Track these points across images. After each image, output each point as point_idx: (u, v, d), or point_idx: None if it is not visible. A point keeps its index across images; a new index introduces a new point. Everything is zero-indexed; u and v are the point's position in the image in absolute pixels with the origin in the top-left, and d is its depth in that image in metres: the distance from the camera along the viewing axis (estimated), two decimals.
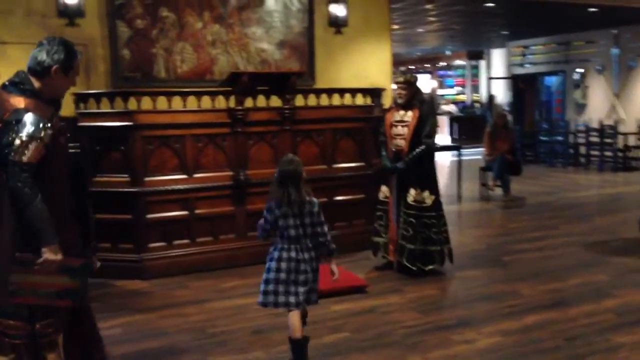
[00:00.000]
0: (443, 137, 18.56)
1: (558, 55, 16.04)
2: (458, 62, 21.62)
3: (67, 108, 5.69)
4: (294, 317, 3.69)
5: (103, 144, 5.68)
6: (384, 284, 5.40)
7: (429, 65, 22.58)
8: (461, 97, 21.32)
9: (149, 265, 5.66)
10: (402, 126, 5.62)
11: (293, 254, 3.65)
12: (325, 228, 3.76)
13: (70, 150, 3.27)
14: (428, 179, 5.65)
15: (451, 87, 22.28)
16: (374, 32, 8.20)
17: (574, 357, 3.83)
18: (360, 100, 6.73)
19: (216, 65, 7.13)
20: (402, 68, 23.84)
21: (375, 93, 6.71)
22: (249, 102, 6.06)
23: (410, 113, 5.58)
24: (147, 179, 5.65)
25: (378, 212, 5.84)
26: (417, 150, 5.51)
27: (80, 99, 5.68)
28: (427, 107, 5.74)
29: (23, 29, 6.25)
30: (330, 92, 6.56)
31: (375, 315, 4.63)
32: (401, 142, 5.59)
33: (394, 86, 5.74)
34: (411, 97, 5.60)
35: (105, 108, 5.69)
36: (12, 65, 6.35)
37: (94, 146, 5.68)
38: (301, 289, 3.64)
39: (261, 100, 6.17)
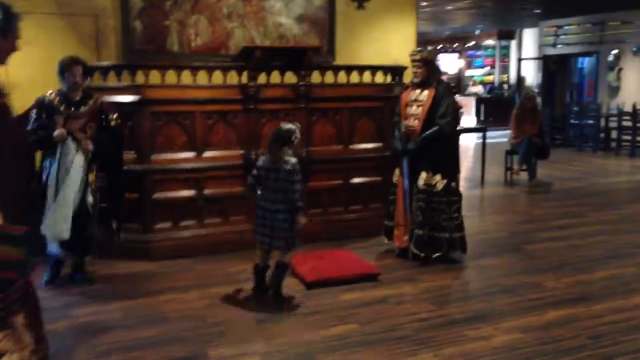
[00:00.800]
0: (469, 119, 18.13)
1: (592, 35, 15.42)
2: (488, 42, 21.01)
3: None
4: None
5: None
6: (397, 272, 5.15)
7: (457, 45, 22.01)
8: (489, 78, 20.75)
9: (155, 247, 5.48)
10: (417, 106, 5.33)
11: (268, 204, 4.37)
12: (296, 186, 4.34)
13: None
14: (441, 162, 5.35)
15: (480, 67, 21.69)
16: (398, 7, 7.83)
17: (599, 357, 3.55)
18: (380, 78, 6.42)
19: (232, 39, 6.85)
20: (430, 47, 23.35)
21: (396, 71, 6.39)
22: (262, 79, 5.79)
23: (425, 92, 5.29)
24: (154, 156, 5.44)
25: (391, 195, 5.58)
26: (429, 131, 5.22)
27: (87, 72, 5.44)
28: (443, 87, 5.42)
29: None
30: (348, 69, 6.26)
31: (387, 306, 4.38)
32: (414, 123, 5.30)
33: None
34: (427, 75, 5.30)
35: (112, 82, 5.47)
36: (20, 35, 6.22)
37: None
38: (280, 234, 4.34)
39: (275, 77, 5.90)
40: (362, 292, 4.65)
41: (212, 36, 6.83)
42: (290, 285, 4.69)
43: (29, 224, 2.64)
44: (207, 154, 5.65)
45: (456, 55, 22.08)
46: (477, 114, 18.57)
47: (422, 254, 5.30)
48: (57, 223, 4.51)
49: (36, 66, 6.02)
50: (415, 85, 5.39)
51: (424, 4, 14.33)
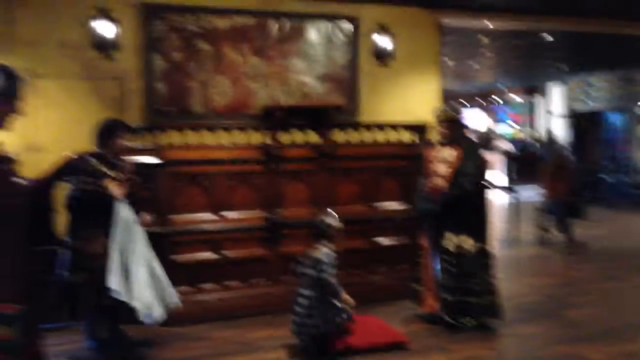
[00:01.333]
0: (499, 177, 17.82)
1: (621, 91, 15.21)
2: (515, 98, 20.90)
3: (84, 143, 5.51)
4: None
5: None
6: (427, 339, 4.84)
7: (483, 102, 21.94)
8: (518, 134, 20.54)
9: (172, 311, 5.27)
10: (443, 164, 5.14)
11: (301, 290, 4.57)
12: (323, 275, 4.51)
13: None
14: (470, 222, 5.11)
15: (507, 123, 21.53)
16: (422, 65, 7.76)
17: None
18: (404, 136, 6.27)
19: (255, 99, 6.81)
20: (453, 103, 23.30)
21: (420, 129, 6.24)
22: (284, 138, 5.69)
23: (452, 151, 5.11)
24: (173, 217, 5.31)
25: (418, 258, 5.34)
26: (452, 191, 5.02)
27: None
28: (469, 145, 5.25)
29: (56, 61, 6.10)
30: (370, 127, 6.13)
31: None
32: (440, 181, 5.09)
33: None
34: (453, 134, 5.14)
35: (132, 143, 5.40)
36: (45, 98, 6.29)
37: None
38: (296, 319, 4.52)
39: (297, 136, 5.79)
40: None
41: (235, 96, 6.79)
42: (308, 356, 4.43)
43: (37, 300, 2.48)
44: (228, 214, 5.50)
45: (483, 112, 21.98)
46: (508, 171, 18.27)
47: (454, 321, 5.00)
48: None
49: (62, 128, 6.04)
50: (443, 144, 5.24)
51: (449, 62, 14.38)
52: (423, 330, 5.10)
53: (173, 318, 5.20)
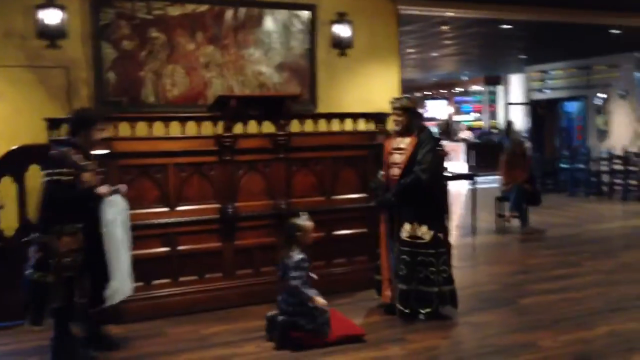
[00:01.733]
0: (459, 165, 17.98)
1: (579, 80, 15.44)
2: (475, 87, 21.08)
3: (41, 134, 5.31)
4: None
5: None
6: (384, 331, 4.81)
7: (445, 91, 22.08)
8: (478, 123, 20.73)
9: (125, 308, 5.10)
10: (399, 154, 5.11)
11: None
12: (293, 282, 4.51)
13: None
14: (426, 212, 5.08)
15: (468, 113, 21.71)
16: (380, 54, 7.70)
17: None
18: (362, 126, 6.20)
19: (210, 89, 6.66)
20: (417, 94, 23.42)
21: (378, 118, 6.17)
22: (238, 129, 5.56)
23: (407, 140, 5.08)
24: None
25: (378, 248, 5.29)
26: (405, 179, 4.98)
27: (53, 124, 5.21)
28: (425, 134, 5.23)
29: (0, 51, 5.84)
30: (329, 117, 6.05)
31: None
32: (396, 171, 5.05)
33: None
34: (408, 123, 5.10)
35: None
36: None
37: None
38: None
39: (253, 127, 5.67)
40: (345, 356, 4.31)
41: (190, 86, 6.63)
42: (263, 350, 4.35)
43: None
44: (181, 208, 5.36)
45: (444, 101, 22.13)
46: (467, 159, 18.43)
47: (408, 310, 4.98)
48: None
49: (5, 119, 5.80)
50: (398, 133, 5.20)
51: (410, 50, 14.37)
52: (382, 321, 5.06)
53: (126, 315, 5.08)
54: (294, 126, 5.87)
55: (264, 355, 4.34)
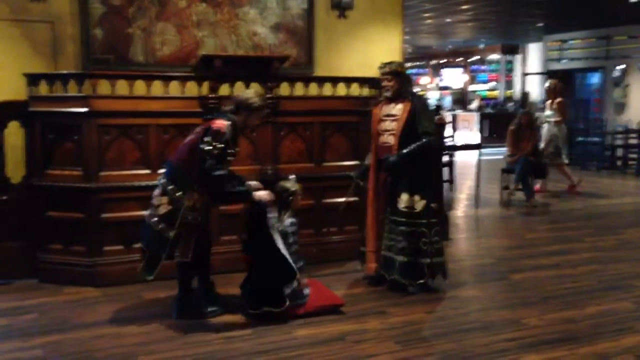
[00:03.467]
0: (472, 135, 17.64)
1: (597, 50, 14.93)
2: (493, 56, 20.57)
3: (20, 91, 5.15)
4: None
5: (55, 132, 5.04)
6: (365, 303, 4.65)
7: (461, 59, 21.58)
8: (494, 93, 20.27)
9: (102, 271, 5.02)
10: (391, 120, 4.88)
11: None
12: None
13: None
14: (421, 181, 4.89)
15: (484, 82, 21.24)
16: (382, 16, 7.37)
17: None
18: (356, 91, 5.96)
19: (202, 48, 6.41)
20: (433, 62, 22.94)
21: (373, 83, 5.93)
22: (224, 90, 5.35)
23: (400, 106, 4.85)
24: (102, 173, 5.00)
25: (365, 218, 5.11)
26: (414, 145, 4.75)
27: (32, 80, 5.05)
28: (420, 100, 5.00)
29: None
30: (320, 80, 5.81)
31: (344, 345, 3.87)
32: (390, 138, 4.84)
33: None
34: (399, 88, 4.87)
35: (59, 92, 5.04)
36: None
37: (46, 134, 5.05)
38: None
39: (240, 88, 5.44)
40: (320, 327, 4.16)
41: (180, 45, 6.39)
42: (238, 319, 4.23)
43: None
44: (163, 170, 5.18)
45: (460, 69, 21.65)
46: (481, 130, 18.07)
47: (407, 283, 4.82)
48: None
49: None
50: (388, 100, 4.96)
51: (425, 15, 13.96)
52: (365, 293, 4.91)
53: (103, 278, 4.99)
54: (285, 90, 5.65)
55: (238, 320, 4.21)
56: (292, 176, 4.64)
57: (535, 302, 4.68)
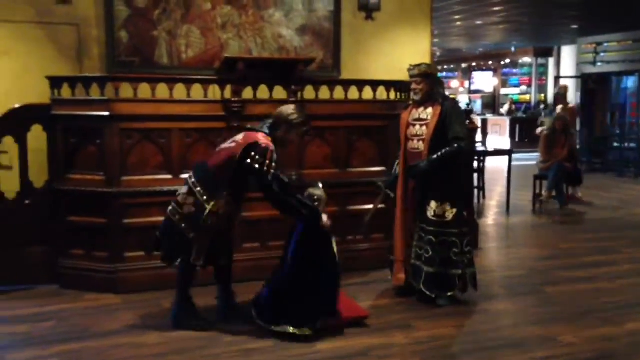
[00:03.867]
0: (503, 140, 17.32)
1: (634, 53, 14.48)
2: (525, 59, 20.21)
3: (45, 94, 5.10)
4: None
5: (77, 136, 4.98)
6: (390, 316, 4.47)
7: (492, 62, 21.24)
8: (525, 97, 19.89)
9: (124, 278, 4.94)
10: (421, 125, 4.70)
11: None
12: None
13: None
14: (452, 188, 4.70)
15: (516, 86, 20.87)
16: (411, 18, 7.19)
17: None
18: (383, 94, 5.79)
19: (227, 51, 6.30)
20: (463, 65, 22.62)
21: (400, 86, 5.76)
22: (248, 94, 5.23)
23: (429, 110, 4.66)
24: (124, 178, 4.91)
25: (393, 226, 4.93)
26: (445, 150, 4.56)
27: (55, 84, 5.00)
28: (450, 104, 4.79)
29: (7, 4, 5.62)
30: (346, 83, 5.66)
31: None
32: (419, 144, 4.65)
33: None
34: (429, 91, 4.68)
35: (81, 95, 4.98)
36: None
37: (69, 138, 4.99)
38: None
39: (263, 92, 5.33)
40: (343, 341, 4.00)
41: (205, 48, 6.30)
42: (250, 327, 4.11)
43: None
44: (185, 175, 5.06)
45: (491, 73, 21.30)
46: (512, 135, 17.73)
47: (433, 295, 4.62)
48: None
49: (11, 79, 5.61)
50: (417, 104, 4.78)
51: (455, 17, 13.72)
52: (392, 305, 4.74)
53: (124, 285, 4.90)
54: (310, 93, 5.51)
55: (259, 334, 4.07)
56: (320, 184, 4.50)
57: (570, 318, 4.45)
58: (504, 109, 19.02)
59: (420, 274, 4.66)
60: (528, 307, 4.76)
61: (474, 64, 21.98)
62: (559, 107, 9.98)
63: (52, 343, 3.91)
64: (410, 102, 4.91)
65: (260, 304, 4.20)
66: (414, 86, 4.75)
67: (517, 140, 17.45)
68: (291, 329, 3.98)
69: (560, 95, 9.91)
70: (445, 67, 23.36)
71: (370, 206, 5.05)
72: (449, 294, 4.64)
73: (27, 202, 5.08)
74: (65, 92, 5.01)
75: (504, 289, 5.21)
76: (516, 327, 4.31)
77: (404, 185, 4.82)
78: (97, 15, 5.91)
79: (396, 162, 4.94)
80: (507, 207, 8.83)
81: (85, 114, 4.88)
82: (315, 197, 4.35)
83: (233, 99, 5.10)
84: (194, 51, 6.28)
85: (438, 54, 22.14)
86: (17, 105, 5.04)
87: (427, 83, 4.68)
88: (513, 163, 9.19)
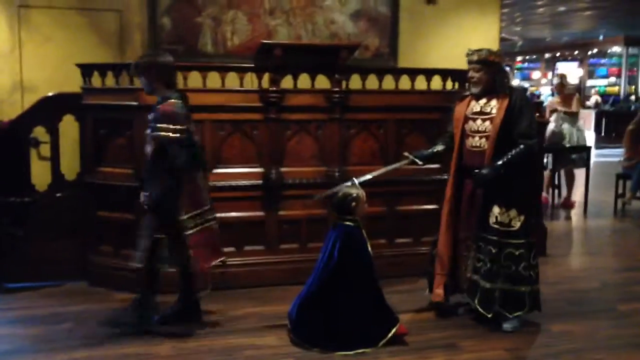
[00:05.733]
0: (588, 135, 16.21)
1: None
2: (614, 49, 18.86)
3: (72, 82, 4.90)
4: None
5: (107, 127, 4.75)
6: (433, 332, 3.99)
7: (578, 52, 19.97)
8: (614, 89, 18.56)
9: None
10: (483, 120, 4.11)
11: None
12: None
13: None
14: (517, 193, 4.11)
15: (604, 77, 19.53)
16: (477, 1, 6.60)
17: None
18: (439, 84, 5.26)
19: (274, 38, 5.99)
20: (547, 55, 21.41)
21: (459, 76, 5.20)
22: (287, 83, 4.84)
23: (494, 102, 4.08)
24: None
25: (437, 234, 4.39)
26: (513, 152, 3.97)
27: (85, 72, 4.78)
28: (520, 95, 4.18)
29: None
30: (396, 72, 5.17)
31: None
32: (482, 142, 4.08)
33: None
34: (490, 81, 4.10)
35: (110, 84, 4.75)
36: (36, 32, 5.75)
37: (98, 129, 4.77)
38: None
39: (305, 81, 4.92)
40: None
41: (252, 35, 6.00)
42: (273, 342, 3.72)
43: None
44: (219, 171, 4.77)
45: (576, 63, 20.03)
46: (597, 129, 16.56)
47: (491, 315, 4.05)
48: None
49: (53, 66, 5.48)
50: (477, 96, 4.21)
51: (538, 3, 12.86)
52: (437, 319, 4.24)
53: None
54: (357, 83, 5.05)
55: (282, 351, 3.69)
56: (355, 180, 4.06)
57: None
58: (591, 101, 17.78)
59: (476, 290, 4.12)
60: (597, 328, 4.14)
61: (558, 54, 20.76)
62: (555, 99, 8.74)
63: (59, 350, 3.66)
64: (467, 93, 4.34)
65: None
66: (471, 74, 4.18)
67: (602, 134, 16.28)
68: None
69: (560, 85, 8.83)
70: (527, 57, 22.21)
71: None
72: (517, 314, 4.06)
73: (58, 194, 4.91)
74: (96, 81, 4.78)
75: (570, 304, 4.59)
76: (579, 353, 3.71)
77: (454, 186, 4.27)
78: (140, 1, 5.73)
79: (438, 142, 4.38)
80: (585, 208, 8.07)
81: (114, 104, 4.64)
82: (352, 197, 3.90)
83: (270, 89, 4.72)
84: (240, 38, 5.98)
85: (520, 43, 21.05)
86: (50, 94, 4.87)
87: (488, 72, 4.09)
88: (597, 159, 8.38)
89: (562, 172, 8.48)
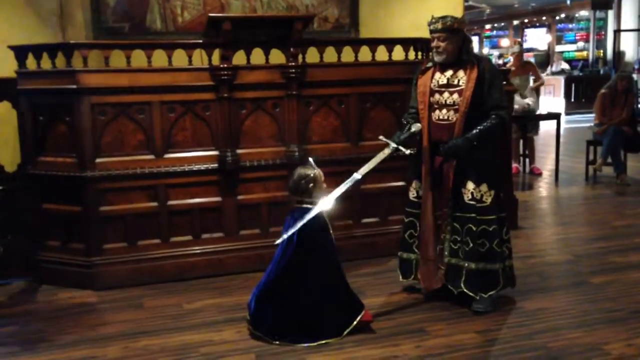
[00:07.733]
0: (557, 101, 16.10)
1: None
2: (581, 13, 18.72)
3: (10, 66, 4.54)
4: None
5: (46, 113, 4.41)
6: (403, 317, 3.79)
7: (546, 18, 19.80)
8: (583, 54, 18.46)
9: (102, 272, 4.39)
10: (450, 92, 3.86)
11: None
12: None
13: None
14: (487, 167, 3.91)
15: (573, 42, 19.40)
16: None
17: None
18: (401, 55, 5.01)
19: (228, 12, 5.64)
20: (515, 22, 21.22)
21: (423, 44, 4.96)
22: (240, 59, 4.54)
23: (461, 74, 3.83)
24: (99, 160, 4.33)
25: (408, 217, 4.15)
26: (488, 123, 3.76)
27: (20, 54, 4.42)
28: (488, 65, 3.93)
29: None
30: (355, 43, 4.90)
31: None
32: (450, 114, 3.84)
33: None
34: (456, 50, 3.85)
35: (47, 66, 4.39)
36: None
37: (37, 116, 4.43)
38: None
39: (259, 57, 4.62)
40: (339, 353, 3.34)
41: (204, 9, 5.64)
42: (231, 336, 3.48)
43: None
44: (170, 155, 4.48)
45: (544, 29, 19.88)
46: (567, 95, 16.45)
47: (477, 296, 3.83)
48: None
49: None
50: (442, 67, 3.94)
51: None
52: (403, 303, 4.04)
53: (102, 280, 4.37)
54: (314, 56, 4.77)
55: (241, 346, 3.46)
56: (311, 160, 3.81)
57: (622, 318, 3.67)
58: (554, 68, 17.65)
59: (460, 272, 3.88)
60: (570, 304, 3.97)
61: (526, 20, 20.56)
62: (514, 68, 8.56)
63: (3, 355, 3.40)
64: (430, 64, 4.07)
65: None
66: (435, 43, 3.90)
67: (572, 100, 16.20)
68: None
69: (516, 52, 8.67)
70: (496, 25, 22.00)
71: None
72: (491, 293, 3.85)
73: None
74: (32, 64, 4.43)
75: (542, 279, 4.43)
76: (553, 332, 3.54)
77: (429, 164, 4.01)
78: None
79: (411, 122, 4.06)
80: (556, 176, 7.94)
81: (51, 88, 4.30)
82: (308, 178, 3.65)
83: (221, 66, 4.42)
84: (191, 14, 5.65)
85: (487, 11, 20.82)
86: None
87: (453, 41, 3.84)
88: (568, 126, 8.24)
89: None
